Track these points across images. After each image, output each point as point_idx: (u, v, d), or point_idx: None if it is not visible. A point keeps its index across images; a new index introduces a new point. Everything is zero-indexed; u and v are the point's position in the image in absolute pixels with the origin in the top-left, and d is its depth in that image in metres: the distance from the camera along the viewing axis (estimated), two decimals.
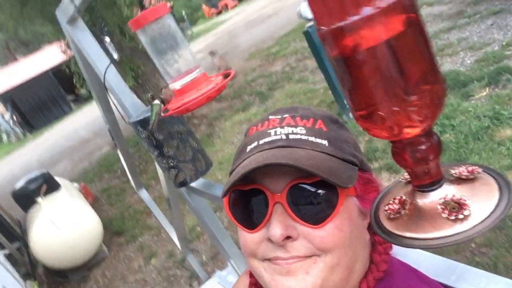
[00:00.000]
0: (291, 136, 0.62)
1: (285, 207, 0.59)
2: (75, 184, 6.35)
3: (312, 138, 0.62)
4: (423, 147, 0.49)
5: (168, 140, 1.25)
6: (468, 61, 4.68)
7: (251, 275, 0.78)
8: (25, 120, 24.05)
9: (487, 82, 4.06)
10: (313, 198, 0.59)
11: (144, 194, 2.57)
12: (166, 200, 2.03)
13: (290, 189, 0.58)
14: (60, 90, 24.63)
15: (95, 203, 6.46)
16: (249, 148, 0.64)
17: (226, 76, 0.96)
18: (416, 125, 0.45)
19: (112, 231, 5.61)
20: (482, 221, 0.47)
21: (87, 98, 24.25)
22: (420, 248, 0.49)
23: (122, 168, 7.57)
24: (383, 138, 0.48)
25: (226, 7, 32.38)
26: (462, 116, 3.77)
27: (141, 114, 1.31)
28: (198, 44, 17.62)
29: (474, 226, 0.46)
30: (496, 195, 0.49)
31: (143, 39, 0.90)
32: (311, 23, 4.58)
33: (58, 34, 7.29)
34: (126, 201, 6.25)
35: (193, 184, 1.46)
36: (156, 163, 1.70)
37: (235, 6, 31.44)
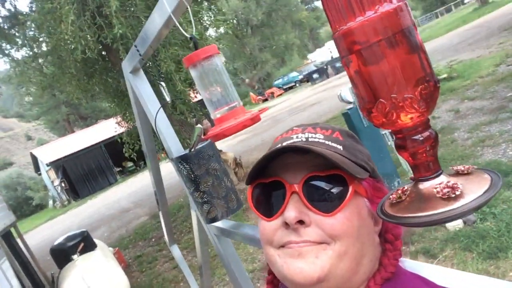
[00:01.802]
0: (310, 139, 0.71)
1: (300, 196, 0.66)
2: (110, 248, 6.45)
3: (328, 142, 0.71)
4: (420, 137, 0.57)
5: (205, 176, 1.36)
6: (510, 152, 4.63)
7: (268, 282, 0.83)
8: (72, 188, 25.17)
9: None
10: (326, 190, 0.66)
11: (175, 250, 2.62)
12: (199, 268, 2.09)
13: (306, 180, 0.67)
14: (109, 162, 25.93)
15: (126, 269, 6.47)
16: (271, 149, 0.74)
17: (260, 111, 1.08)
18: (411, 112, 0.54)
19: None
20: (471, 201, 0.53)
21: (132, 171, 25.30)
22: (418, 226, 0.54)
23: (157, 237, 7.65)
24: (380, 126, 0.57)
25: (272, 95, 34.07)
26: (503, 205, 3.66)
27: (181, 153, 1.45)
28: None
29: (464, 204, 0.52)
30: (487, 183, 0.55)
31: (193, 73, 1.06)
32: (351, 105, 4.78)
33: (116, 108, 7.96)
34: (156, 269, 6.23)
35: (223, 225, 1.53)
36: (192, 211, 1.79)
37: (281, 94, 32.98)
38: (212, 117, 1.08)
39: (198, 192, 1.38)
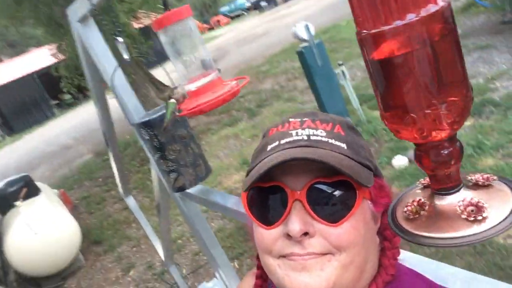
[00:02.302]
0: (312, 137, 0.64)
1: (304, 205, 0.60)
2: (55, 191, 6.22)
3: (332, 141, 0.64)
4: (446, 151, 0.52)
5: (170, 143, 1.26)
6: None
7: (257, 277, 0.79)
8: (5, 123, 23.53)
9: (472, 113, 4.20)
10: (331, 197, 0.61)
11: (131, 201, 2.54)
12: (156, 206, 2.02)
13: (310, 187, 0.60)
14: (44, 94, 24.26)
15: (73, 211, 6.32)
16: (270, 147, 0.66)
17: (239, 81, 0.98)
18: (445, 129, 0.48)
19: (90, 240, 5.49)
20: (499, 223, 0.49)
21: (71, 104, 23.95)
22: (439, 247, 0.51)
23: (103, 176, 7.46)
24: (411, 140, 0.51)
25: (218, 24, 32.73)
26: None
27: (145, 117, 1.32)
28: None
29: (491, 227, 0.49)
30: (510, 200, 0.52)
31: (163, 39, 0.92)
32: (304, 43, 4.67)
33: (49, 37, 7.25)
34: (106, 210, 6.14)
35: (190, 190, 1.47)
36: (152, 168, 1.69)
37: (228, 23, 31.81)
38: (186, 89, 0.96)
39: (164, 160, 1.29)
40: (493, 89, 4.46)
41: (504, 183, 0.56)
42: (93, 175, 7.98)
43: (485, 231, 0.49)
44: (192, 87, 0.93)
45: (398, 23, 0.44)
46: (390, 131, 0.52)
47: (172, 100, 0.92)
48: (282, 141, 0.65)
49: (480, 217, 0.50)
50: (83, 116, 15.77)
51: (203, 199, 1.40)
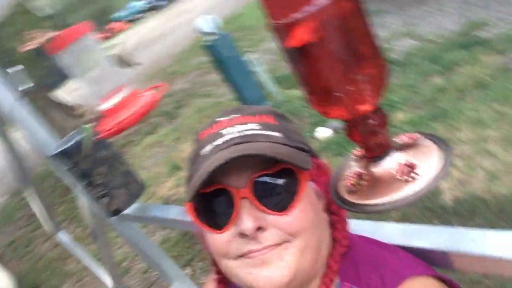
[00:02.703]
0: (244, 133, 0.63)
1: (251, 201, 0.60)
2: None
3: (264, 132, 0.64)
4: (372, 122, 0.54)
5: (94, 168, 1.18)
6: None
7: (219, 281, 0.78)
8: None
9: None
10: (276, 188, 0.61)
11: (63, 236, 2.37)
12: (92, 234, 1.90)
13: (253, 182, 0.60)
14: None
15: (0, 260, 5.76)
16: (203, 152, 0.64)
17: (157, 89, 0.94)
18: (369, 101, 0.50)
19: (28, 287, 5.05)
20: (431, 179, 0.53)
21: None
22: (384, 212, 0.54)
23: (26, 216, 6.87)
24: (340, 117, 0.53)
25: (115, 31, 31.29)
26: None
27: (59, 146, 1.22)
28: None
29: (425, 184, 0.52)
30: (437, 155, 0.56)
31: (64, 60, 0.85)
32: (209, 36, 4.64)
33: None
34: (37, 251, 5.67)
35: (126, 211, 1.40)
36: (80, 198, 1.59)
37: (125, 29, 30.54)
38: (99, 109, 0.91)
39: (91, 187, 1.21)
40: (390, 49, 4.80)
41: (425, 137, 0.60)
42: (13, 217, 7.31)
43: (423, 187, 0.52)
44: (107, 105, 0.87)
45: (308, 9, 0.44)
46: (320, 113, 0.53)
47: (87, 126, 0.86)
48: (215, 143, 0.64)
49: (414, 175, 0.53)
50: None
51: (142, 217, 1.34)
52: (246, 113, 0.68)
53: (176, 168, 4.99)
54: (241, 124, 0.65)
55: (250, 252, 0.60)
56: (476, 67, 3.55)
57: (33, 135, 1.28)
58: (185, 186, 0.67)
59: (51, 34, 0.86)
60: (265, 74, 5.00)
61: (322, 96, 0.51)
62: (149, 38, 16.56)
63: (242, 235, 0.60)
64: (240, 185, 0.61)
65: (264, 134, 0.64)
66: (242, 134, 0.63)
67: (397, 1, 5.80)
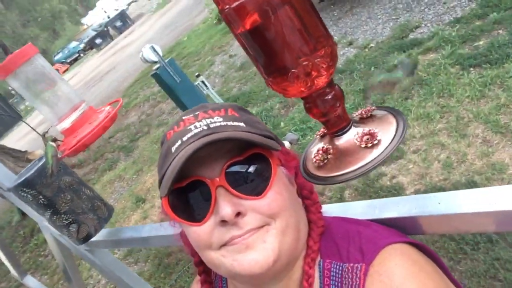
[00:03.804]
0: (211, 125, 0.65)
1: (227, 188, 0.61)
2: None
3: (230, 123, 0.66)
4: (329, 96, 0.58)
5: (59, 195, 1.14)
6: None
7: (203, 282, 0.77)
8: None
9: None
10: (249, 173, 0.63)
11: (30, 280, 2.24)
12: (63, 272, 1.82)
13: (226, 170, 0.61)
14: None
15: None
16: (174, 148, 0.65)
17: (113, 105, 0.94)
18: (323, 74, 0.53)
19: None
20: (390, 143, 0.57)
21: None
22: (354, 178, 0.57)
23: None
24: (298, 94, 0.55)
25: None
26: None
27: (20, 177, 1.17)
28: (31, 120, 16.13)
29: (385, 148, 0.56)
30: (393, 123, 0.60)
31: (15, 84, 0.83)
32: (157, 65, 4.64)
33: None
34: None
35: (96, 238, 1.35)
36: (44, 231, 1.52)
37: (67, 70, 29.85)
38: (58, 128, 0.89)
39: (57, 216, 1.16)
40: None
41: (382, 109, 0.64)
42: None
43: (384, 151, 0.56)
44: (66, 124, 0.86)
45: None
46: (278, 93, 0.56)
47: (51, 143, 0.84)
48: (184, 138, 0.64)
49: (376, 141, 0.57)
50: None
51: (114, 241, 1.30)
52: (209, 108, 0.69)
53: (140, 200, 4.87)
54: (207, 118, 0.66)
55: (233, 238, 0.61)
56: (417, 67, 3.78)
57: None
58: (158, 186, 0.67)
59: None
60: (216, 95, 5.04)
61: (280, 76, 0.54)
62: (93, 75, 16.25)
63: (223, 222, 0.60)
64: (214, 175, 0.61)
65: (231, 125, 0.66)
66: (209, 127, 0.65)
67: (330, 14, 6.09)
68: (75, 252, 1.47)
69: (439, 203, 0.70)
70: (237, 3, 0.48)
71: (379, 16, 5.31)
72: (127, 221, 4.73)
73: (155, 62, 4.66)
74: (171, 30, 12.67)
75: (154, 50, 4.58)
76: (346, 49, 4.99)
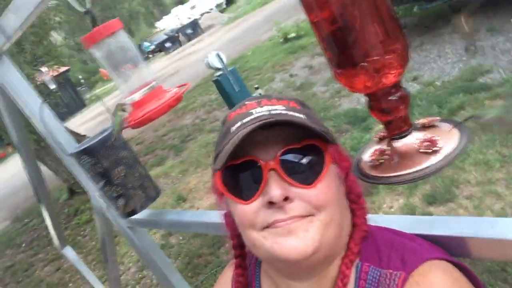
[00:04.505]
0: (272, 112, 0.67)
1: (279, 173, 0.62)
2: None
3: (291, 113, 0.68)
4: (395, 97, 0.58)
5: (115, 167, 1.21)
6: (363, 100, 5.25)
7: (237, 266, 0.78)
8: None
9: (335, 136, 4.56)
10: (303, 162, 0.64)
11: (69, 252, 2.35)
12: (101, 248, 1.90)
13: (282, 155, 0.63)
14: None
15: None
16: (233, 129, 0.67)
17: (181, 88, 0.99)
18: (391, 73, 0.54)
19: None
20: (450, 153, 0.56)
21: None
22: (407, 182, 0.56)
23: (27, 241, 6.81)
24: (363, 90, 0.56)
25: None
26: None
27: (83, 145, 1.26)
28: (98, 107, 17.09)
29: (445, 156, 0.55)
30: (456, 135, 0.59)
31: (98, 54, 0.91)
32: (220, 72, 4.78)
33: None
34: (36, 276, 5.56)
35: (140, 216, 1.41)
36: (93, 202, 1.60)
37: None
38: (128, 101, 0.95)
39: (109, 186, 1.23)
40: (336, 106, 4.98)
41: (445, 122, 0.63)
42: (14, 242, 7.23)
43: (443, 159, 0.55)
44: (136, 97, 0.92)
45: None
46: (344, 86, 0.57)
47: (120, 113, 0.90)
48: (245, 120, 0.66)
49: (435, 149, 0.56)
50: None
51: (155, 222, 1.35)
52: (274, 97, 0.71)
53: (181, 199, 4.98)
54: (269, 105, 0.69)
55: (277, 221, 0.62)
56: (481, 111, 3.62)
57: (55, 135, 1.32)
58: (213, 161, 0.69)
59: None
60: None
61: (349, 69, 0.55)
62: (157, 76, 16.95)
63: (270, 204, 0.61)
64: (269, 158, 0.63)
65: (291, 114, 0.67)
66: (270, 112, 0.67)
67: None
68: (117, 227, 1.53)
69: (492, 227, 0.68)
70: None
71: (449, 56, 5.17)
72: None
73: (218, 69, 4.81)
74: (237, 44, 13.02)
75: (219, 57, 4.74)
76: (410, 83, 4.88)
